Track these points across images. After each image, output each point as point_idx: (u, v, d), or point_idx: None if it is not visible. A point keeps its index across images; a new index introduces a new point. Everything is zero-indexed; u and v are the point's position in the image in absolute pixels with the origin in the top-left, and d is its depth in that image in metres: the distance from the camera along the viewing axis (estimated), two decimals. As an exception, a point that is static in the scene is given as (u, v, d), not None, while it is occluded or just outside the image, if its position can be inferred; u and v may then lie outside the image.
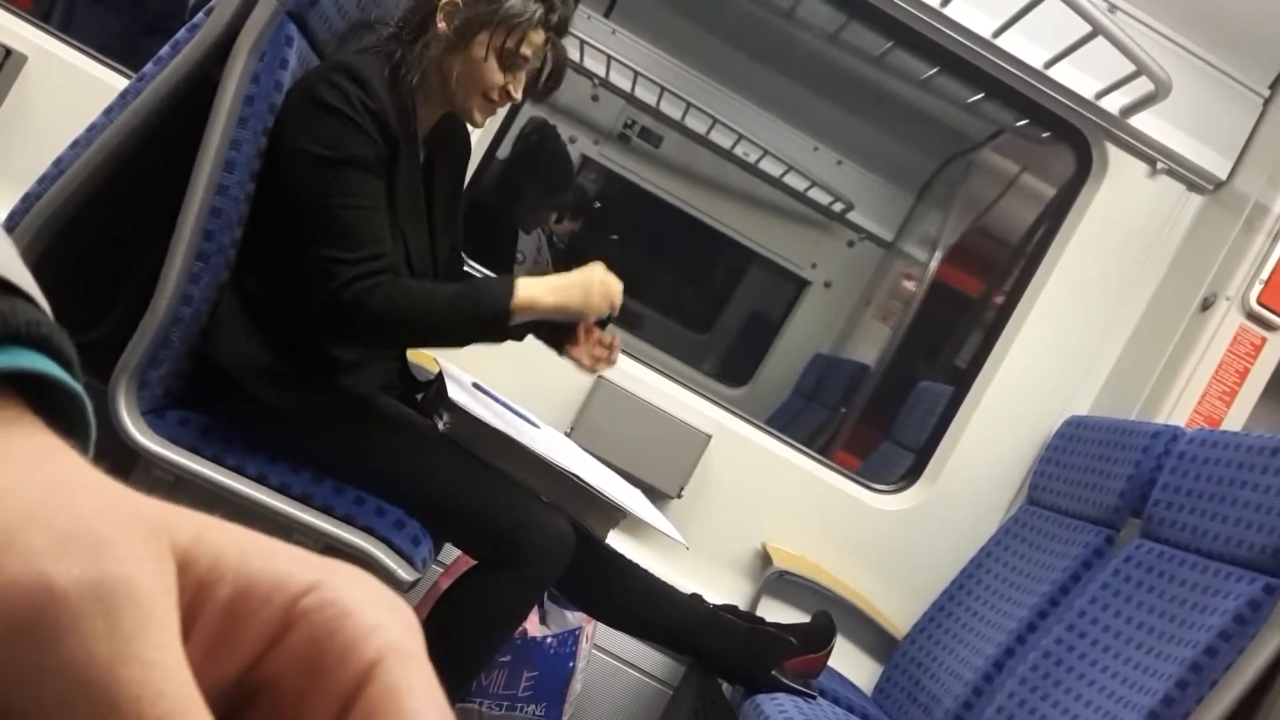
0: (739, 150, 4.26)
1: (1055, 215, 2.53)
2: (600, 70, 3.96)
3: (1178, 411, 2.21)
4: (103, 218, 1.46)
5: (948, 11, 2.31)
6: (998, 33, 2.31)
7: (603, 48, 3.81)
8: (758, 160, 4.28)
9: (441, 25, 1.53)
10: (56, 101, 2.08)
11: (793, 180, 4.34)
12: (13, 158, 2.00)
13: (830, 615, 1.95)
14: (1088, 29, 2.11)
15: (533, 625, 1.86)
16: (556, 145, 3.41)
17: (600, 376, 2.25)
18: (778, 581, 2.32)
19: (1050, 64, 2.32)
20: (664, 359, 3.63)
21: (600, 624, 1.93)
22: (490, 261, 2.36)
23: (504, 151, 3.16)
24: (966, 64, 2.41)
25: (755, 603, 2.32)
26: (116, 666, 0.19)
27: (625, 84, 4.03)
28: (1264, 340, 2.23)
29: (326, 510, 1.54)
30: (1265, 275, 2.21)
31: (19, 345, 0.22)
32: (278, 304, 1.51)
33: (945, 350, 3.78)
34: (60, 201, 1.41)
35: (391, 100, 1.49)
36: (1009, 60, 2.35)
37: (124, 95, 1.46)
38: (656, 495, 2.24)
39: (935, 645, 2.23)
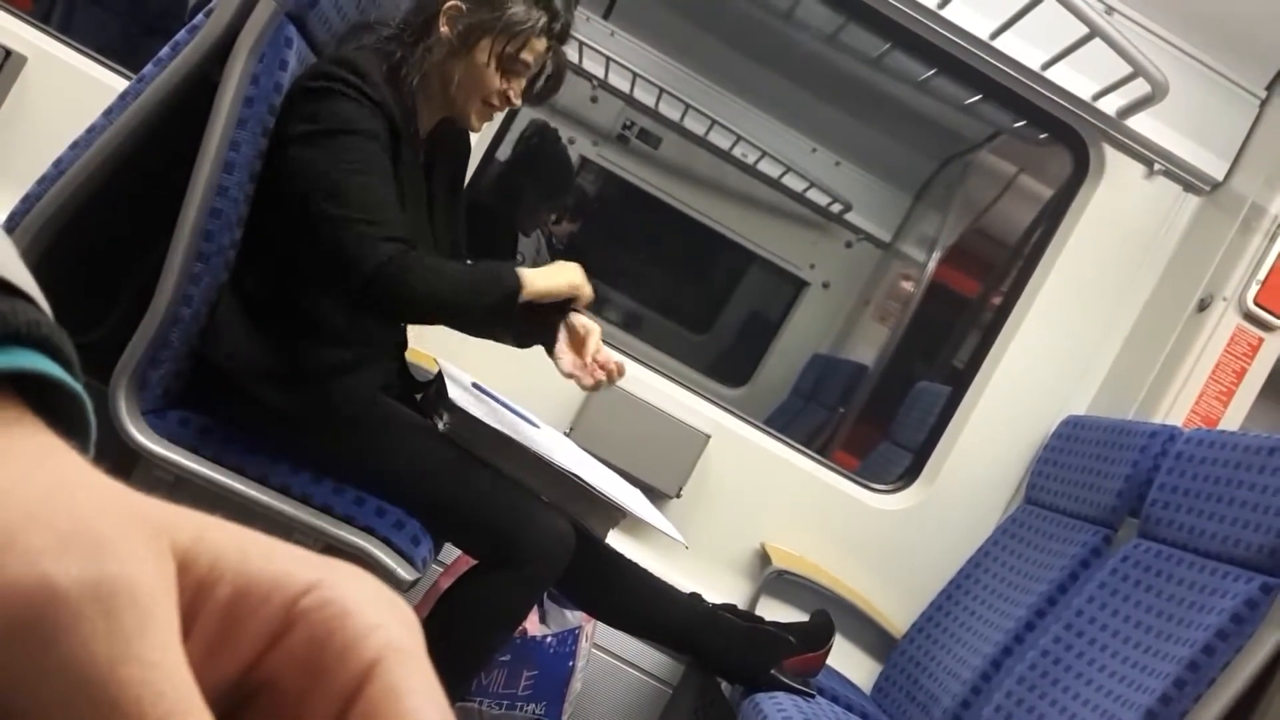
0: (737, 151, 4.26)
1: (1053, 216, 2.53)
2: (599, 72, 3.96)
3: (1175, 411, 2.21)
4: (103, 218, 1.46)
5: (945, 13, 2.31)
6: (995, 34, 2.31)
7: (601, 49, 3.81)
8: (756, 161, 4.28)
9: (444, 30, 1.53)
10: (56, 102, 2.08)
11: (791, 181, 4.34)
12: (13, 158, 2.00)
13: (829, 614, 1.95)
14: (1085, 30, 2.11)
15: (533, 625, 1.86)
16: (557, 148, 3.41)
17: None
18: (776, 581, 2.32)
19: (1047, 65, 2.32)
20: (663, 359, 3.64)
21: (600, 623, 1.93)
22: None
23: (504, 153, 3.15)
24: (964, 65, 2.41)
25: (754, 602, 2.32)
26: (117, 666, 0.19)
27: (624, 85, 4.03)
28: (1260, 340, 2.23)
29: (326, 510, 1.54)
30: (1262, 276, 2.21)
31: (19, 345, 0.22)
32: (277, 304, 1.51)
33: (943, 350, 3.78)
34: (60, 202, 1.41)
35: (391, 96, 1.48)
36: (1006, 62, 2.35)
37: (124, 96, 1.46)
38: (656, 495, 2.24)
39: (934, 644, 2.23)
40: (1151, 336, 2.35)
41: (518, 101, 1.60)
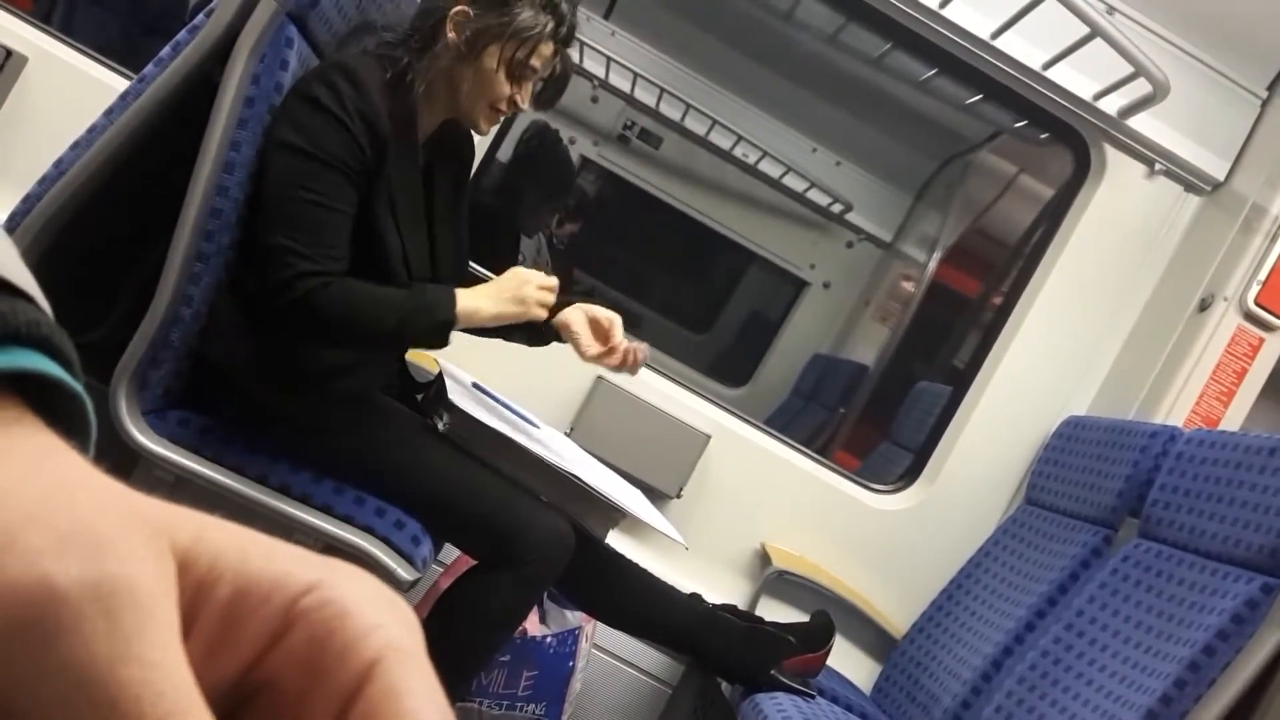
0: (738, 151, 4.25)
1: (1053, 216, 2.53)
2: (600, 72, 3.96)
3: (1175, 411, 2.21)
4: (103, 219, 1.46)
5: (946, 13, 2.31)
6: (996, 34, 2.31)
7: (602, 49, 3.81)
8: (757, 161, 4.27)
9: (451, 35, 1.53)
10: (57, 102, 2.08)
11: (792, 181, 4.34)
12: (13, 159, 2.00)
13: (829, 615, 1.95)
14: (1086, 30, 2.11)
15: (533, 625, 1.86)
16: (558, 149, 3.42)
17: (600, 377, 2.26)
18: (777, 581, 2.32)
19: (1048, 65, 2.32)
20: (663, 359, 3.63)
21: (600, 623, 1.93)
22: (491, 263, 2.36)
23: (505, 154, 3.15)
24: (965, 65, 2.41)
25: (754, 602, 2.32)
26: (117, 666, 0.19)
27: (625, 85, 4.03)
28: (1261, 340, 2.23)
29: (326, 510, 1.54)
30: (1263, 276, 2.21)
31: (19, 345, 0.22)
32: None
33: (944, 350, 3.78)
34: (60, 202, 1.41)
35: (389, 104, 1.48)
36: (1007, 61, 2.35)
37: (124, 96, 1.46)
38: (656, 495, 2.24)
39: (934, 645, 2.23)
40: (1152, 337, 2.35)
41: (525, 106, 1.61)
